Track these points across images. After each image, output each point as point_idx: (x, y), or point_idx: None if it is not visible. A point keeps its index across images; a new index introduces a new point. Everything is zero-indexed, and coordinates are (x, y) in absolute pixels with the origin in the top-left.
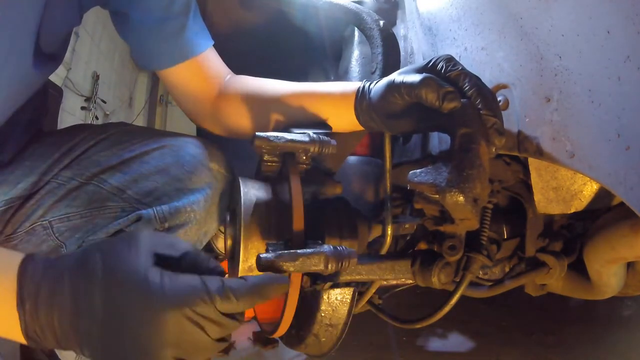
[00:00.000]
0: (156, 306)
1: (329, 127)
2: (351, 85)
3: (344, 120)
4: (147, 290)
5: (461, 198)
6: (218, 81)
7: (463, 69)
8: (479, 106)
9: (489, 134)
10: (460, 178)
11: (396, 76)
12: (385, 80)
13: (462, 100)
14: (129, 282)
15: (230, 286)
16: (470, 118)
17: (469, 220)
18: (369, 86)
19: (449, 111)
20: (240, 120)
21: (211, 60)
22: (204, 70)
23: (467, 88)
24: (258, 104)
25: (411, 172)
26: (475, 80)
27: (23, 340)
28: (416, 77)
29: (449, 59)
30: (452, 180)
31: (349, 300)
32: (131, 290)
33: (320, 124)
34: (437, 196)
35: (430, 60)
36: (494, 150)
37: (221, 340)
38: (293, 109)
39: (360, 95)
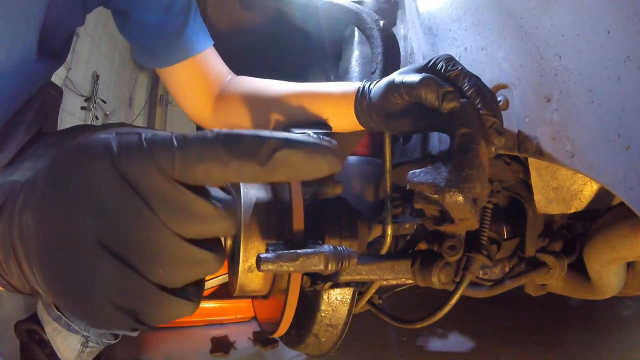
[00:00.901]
0: (80, 153)
1: (329, 127)
2: (351, 85)
3: (344, 120)
4: (79, 142)
5: (460, 198)
6: (218, 81)
7: (463, 68)
8: (479, 106)
9: (488, 133)
10: (460, 178)
11: (396, 76)
12: (385, 80)
13: (461, 100)
14: (73, 143)
15: (189, 137)
16: (469, 118)
17: (468, 220)
18: (369, 86)
19: (448, 111)
20: (240, 120)
21: (211, 60)
22: (204, 69)
23: (466, 88)
24: (258, 104)
25: (410, 172)
26: (475, 80)
27: None
28: (416, 77)
29: (449, 59)
30: (451, 180)
31: (349, 300)
32: (71, 145)
33: (320, 124)
34: (437, 196)
35: (430, 60)
36: (493, 150)
37: (194, 242)
38: (293, 109)
39: (360, 95)
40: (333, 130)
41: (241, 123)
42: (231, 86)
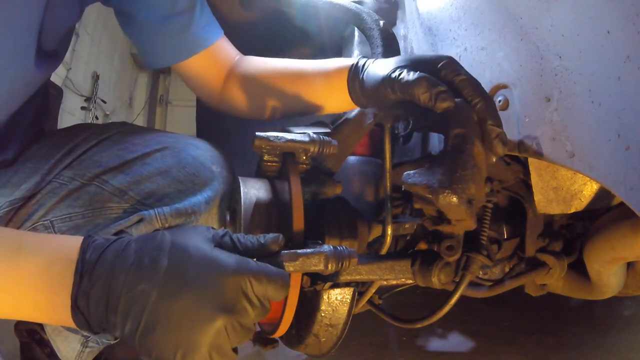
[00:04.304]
0: (220, 271)
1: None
2: (348, 62)
3: (339, 99)
4: (211, 259)
5: (454, 199)
6: (227, 64)
7: (465, 73)
8: (476, 107)
9: (493, 144)
10: (453, 179)
11: (393, 70)
12: (381, 72)
13: (456, 100)
14: (196, 252)
15: (271, 272)
16: (463, 118)
17: (464, 221)
18: (364, 64)
19: (442, 111)
20: (242, 100)
21: (220, 48)
22: (214, 59)
23: (466, 92)
24: (257, 87)
25: (405, 173)
26: (476, 85)
27: (62, 318)
28: (411, 76)
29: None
30: (444, 182)
31: (349, 300)
32: (197, 258)
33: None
34: (431, 197)
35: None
36: (493, 159)
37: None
38: (288, 95)
39: (353, 74)
40: (328, 111)
41: (243, 103)
42: (237, 68)
